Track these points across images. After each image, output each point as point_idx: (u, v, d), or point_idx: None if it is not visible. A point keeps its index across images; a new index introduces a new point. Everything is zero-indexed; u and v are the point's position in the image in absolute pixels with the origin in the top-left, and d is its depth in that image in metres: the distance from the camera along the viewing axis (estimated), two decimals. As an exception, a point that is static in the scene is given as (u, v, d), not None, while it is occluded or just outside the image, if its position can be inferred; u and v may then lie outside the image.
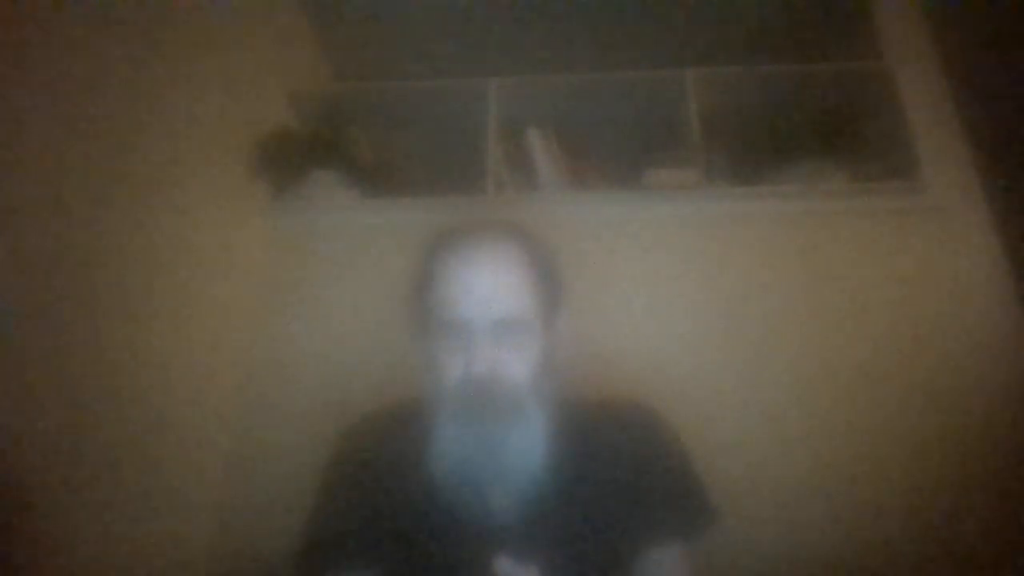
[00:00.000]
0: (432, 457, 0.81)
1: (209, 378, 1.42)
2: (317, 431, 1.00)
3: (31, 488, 0.95)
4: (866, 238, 1.56)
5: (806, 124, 1.69)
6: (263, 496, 1.39)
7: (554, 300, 0.88)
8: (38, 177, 1.00)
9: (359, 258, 1.64)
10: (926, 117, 1.65)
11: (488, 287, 0.82)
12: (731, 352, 1.47)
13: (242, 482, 1.43)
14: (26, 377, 0.96)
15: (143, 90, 1.24)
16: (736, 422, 1.39)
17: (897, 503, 1.31)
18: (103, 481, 1.09)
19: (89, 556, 1.05)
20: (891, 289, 1.50)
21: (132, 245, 1.19)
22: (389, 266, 1.51)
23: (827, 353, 1.45)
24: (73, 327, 1.05)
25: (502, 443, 0.79)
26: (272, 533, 1.03)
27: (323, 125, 1.80)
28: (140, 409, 1.18)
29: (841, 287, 1.52)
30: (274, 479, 1.39)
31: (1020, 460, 1.31)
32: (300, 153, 1.71)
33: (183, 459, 1.31)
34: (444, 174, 1.80)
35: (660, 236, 1.61)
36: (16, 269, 0.95)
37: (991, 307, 1.46)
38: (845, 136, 1.69)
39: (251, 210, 1.63)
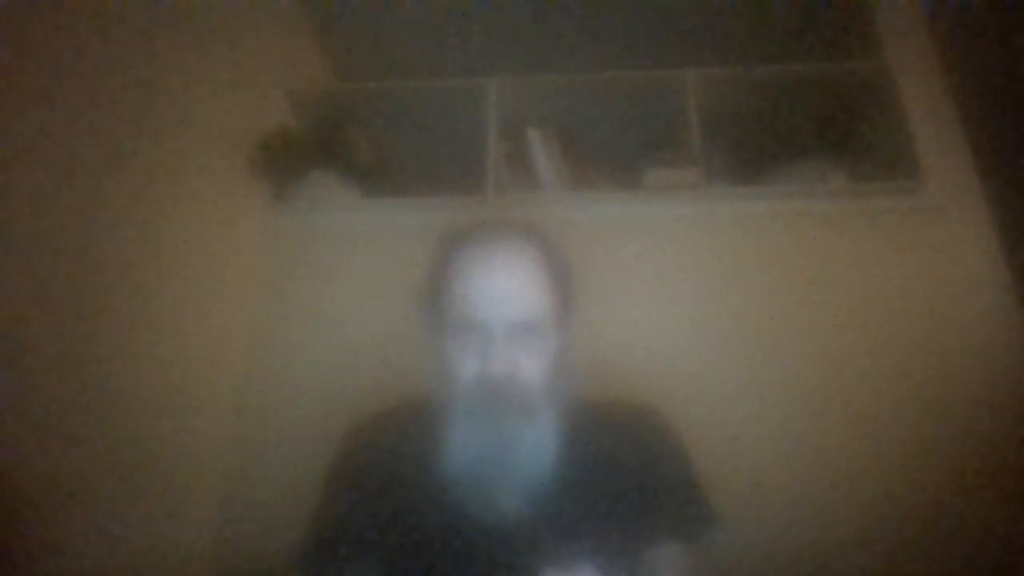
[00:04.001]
0: (443, 455, 0.81)
1: (210, 378, 1.42)
2: (317, 430, 0.99)
3: (31, 488, 0.95)
4: (866, 238, 1.56)
5: (806, 124, 1.69)
6: (264, 496, 1.40)
7: (569, 301, 0.89)
8: (37, 177, 1.00)
9: (359, 258, 1.64)
10: (926, 117, 1.65)
11: (506, 289, 0.82)
12: (731, 352, 1.47)
13: (243, 482, 1.43)
14: (26, 377, 0.96)
15: (142, 90, 1.24)
16: (735, 421, 1.39)
17: (897, 503, 1.31)
18: (103, 481, 1.09)
19: (89, 556, 1.05)
20: (891, 289, 1.50)
21: (132, 245, 1.19)
22: (389, 266, 1.51)
23: (827, 353, 1.45)
24: (73, 328, 1.05)
25: (514, 443, 0.79)
26: (273, 533, 1.03)
27: (323, 125, 1.80)
28: (140, 409, 1.19)
29: (841, 287, 1.52)
30: (275, 479, 1.40)
31: (1020, 460, 1.31)
32: (300, 153, 1.71)
33: (183, 459, 1.31)
34: (444, 174, 1.80)
35: (660, 236, 1.61)
36: (16, 270, 0.95)
37: (991, 307, 1.46)
38: (845, 136, 1.69)
39: (251, 210, 1.63)
